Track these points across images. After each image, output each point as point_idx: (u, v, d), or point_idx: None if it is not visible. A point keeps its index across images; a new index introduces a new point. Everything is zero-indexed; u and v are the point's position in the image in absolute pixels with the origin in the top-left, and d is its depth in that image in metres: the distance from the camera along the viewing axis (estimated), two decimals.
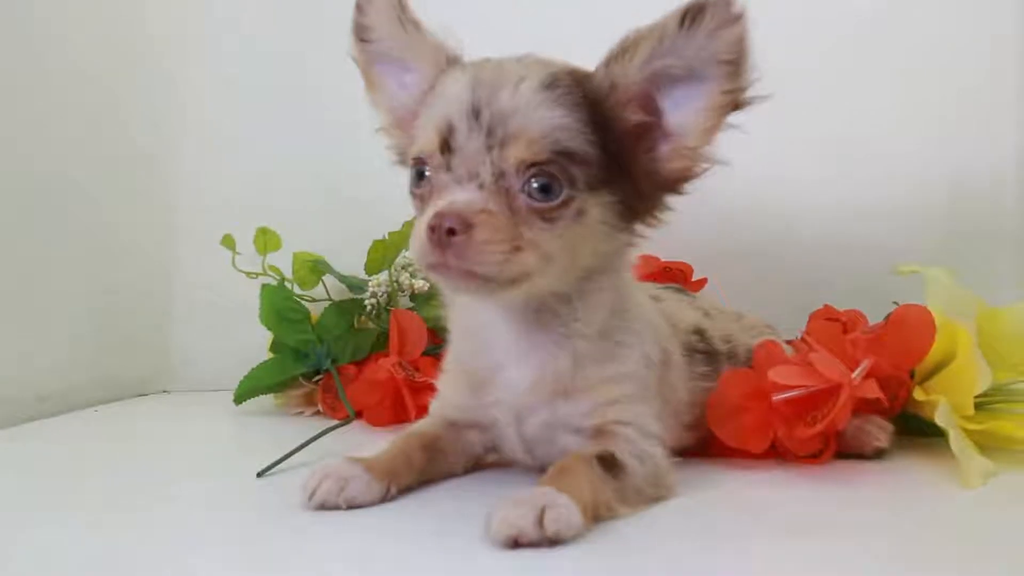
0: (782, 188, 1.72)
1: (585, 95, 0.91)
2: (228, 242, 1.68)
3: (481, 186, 0.87)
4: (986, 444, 1.15)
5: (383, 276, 1.66)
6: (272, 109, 1.93)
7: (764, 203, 1.72)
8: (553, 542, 0.78)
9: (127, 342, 1.89)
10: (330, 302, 1.70)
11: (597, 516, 0.86)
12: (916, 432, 1.24)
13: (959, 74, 1.66)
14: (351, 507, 0.93)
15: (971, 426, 1.14)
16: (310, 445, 1.21)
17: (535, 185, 0.88)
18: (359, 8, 1.03)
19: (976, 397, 1.17)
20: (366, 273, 1.68)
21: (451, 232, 0.84)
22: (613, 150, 0.92)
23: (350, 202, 1.79)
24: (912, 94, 1.68)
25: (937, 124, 1.67)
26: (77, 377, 1.74)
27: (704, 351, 1.21)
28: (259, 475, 1.09)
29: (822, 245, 1.71)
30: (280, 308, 1.64)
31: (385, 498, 0.96)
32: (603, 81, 0.93)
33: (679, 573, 0.76)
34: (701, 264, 1.66)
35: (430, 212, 0.86)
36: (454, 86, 0.92)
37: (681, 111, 0.93)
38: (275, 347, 1.67)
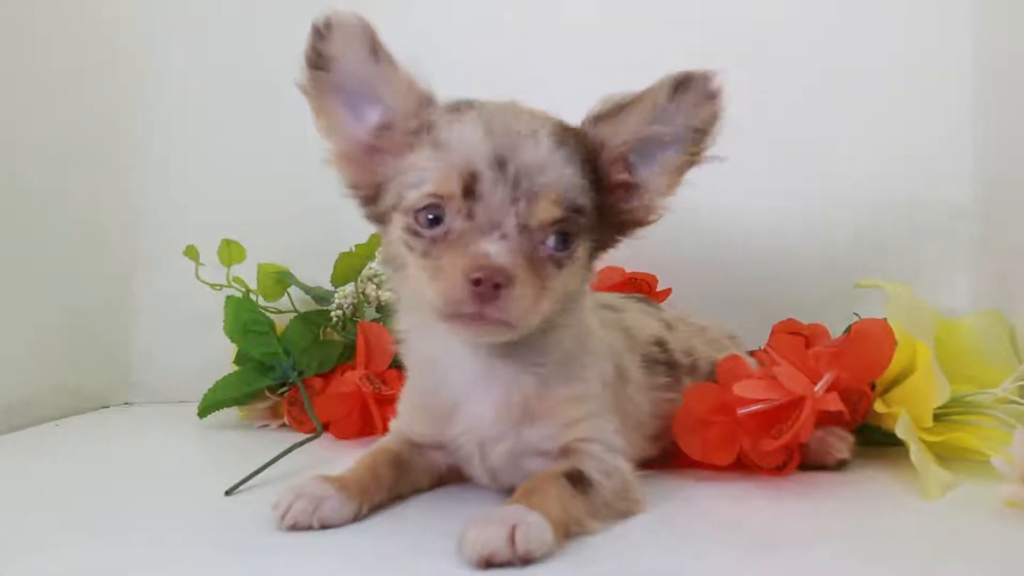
0: (748, 203, 1.73)
1: (585, 151, 0.96)
2: (191, 253, 1.67)
3: (504, 236, 0.89)
4: (945, 455, 1.17)
5: (349, 288, 1.65)
6: (238, 119, 1.91)
7: (730, 218, 1.73)
8: (525, 560, 0.79)
9: (90, 353, 1.87)
10: (295, 314, 1.69)
11: (568, 533, 0.87)
12: (877, 443, 1.25)
13: (918, 92, 1.69)
14: (324, 527, 0.93)
15: (930, 438, 1.17)
16: (278, 460, 1.21)
17: (553, 238, 0.92)
18: (319, 35, 0.96)
19: (935, 409, 1.19)
20: (332, 285, 1.67)
21: (496, 286, 0.86)
22: (598, 202, 0.97)
23: (316, 213, 1.76)
24: (873, 114, 1.70)
25: (897, 142, 1.70)
26: (39, 388, 1.72)
27: (665, 362, 1.23)
28: (227, 493, 1.09)
29: (786, 259, 1.73)
30: (245, 320, 1.62)
31: (357, 517, 0.96)
32: (594, 139, 0.98)
33: None
34: (665, 275, 1.67)
35: (461, 261, 0.87)
36: (467, 131, 0.92)
37: (649, 168, 1.01)
38: (240, 359, 1.66)
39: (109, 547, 0.91)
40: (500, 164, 0.90)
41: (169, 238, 1.77)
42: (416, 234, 0.93)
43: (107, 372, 1.92)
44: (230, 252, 1.66)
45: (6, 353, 1.64)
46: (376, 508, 1.00)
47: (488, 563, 0.79)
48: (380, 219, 1.01)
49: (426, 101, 0.98)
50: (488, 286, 0.85)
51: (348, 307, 1.64)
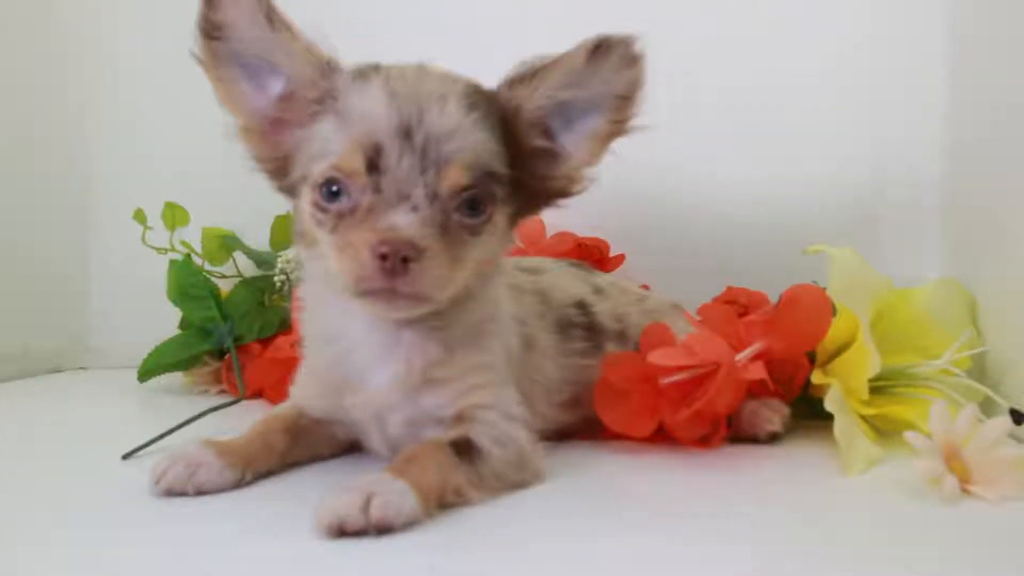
0: (708, 166, 1.68)
1: (498, 115, 0.93)
2: (139, 217, 1.64)
3: (414, 208, 0.85)
4: (884, 428, 1.13)
5: (291, 252, 1.61)
6: (185, 81, 1.86)
7: (690, 186, 1.69)
8: (381, 529, 0.76)
9: (43, 318, 1.85)
10: (240, 279, 1.66)
11: (444, 502, 0.84)
12: (819, 415, 1.20)
13: (885, 63, 1.63)
14: (200, 493, 0.90)
15: (867, 411, 1.12)
16: (199, 422, 1.19)
17: (465, 205, 0.89)
18: (209, 3, 0.92)
19: (878, 380, 1.14)
20: (271, 249, 1.64)
21: (404, 260, 0.82)
22: (514, 166, 0.94)
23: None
24: (839, 84, 1.65)
25: (863, 111, 1.64)
26: None
27: (584, 325, 1.18)
28: (124, 457, 1.06)
29: (747, 227, 1.67)
30: (185, 284, 1.59)
31: (239, 484, 0.93)
32: (509, 102, 0.95)
33: (516, 561, 0.74)
34: (622, 242, 1.63)
35: (368, 236, 0.83)
36: (371, 101, 0.88)
37: (571, 136, 0.98)
38: (183, 324, 1.63)
39: None
40: (405, 134, 0.86)
41: (123, 202, 1.73)
42: (323, 209, 0.89)
43: (62, 336, 1.91)
44: (173, 216, 1.63)
45: None
46: (266, 475, 0.97)
47: (340, 531, 0.75)
48: (290, 192, 0.97)
49: (328, 68, 0.94)
50: (396, 260, 0.82)
51: (292, 271, 1.59)
